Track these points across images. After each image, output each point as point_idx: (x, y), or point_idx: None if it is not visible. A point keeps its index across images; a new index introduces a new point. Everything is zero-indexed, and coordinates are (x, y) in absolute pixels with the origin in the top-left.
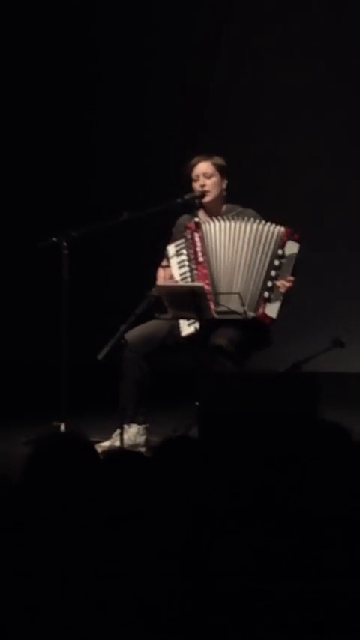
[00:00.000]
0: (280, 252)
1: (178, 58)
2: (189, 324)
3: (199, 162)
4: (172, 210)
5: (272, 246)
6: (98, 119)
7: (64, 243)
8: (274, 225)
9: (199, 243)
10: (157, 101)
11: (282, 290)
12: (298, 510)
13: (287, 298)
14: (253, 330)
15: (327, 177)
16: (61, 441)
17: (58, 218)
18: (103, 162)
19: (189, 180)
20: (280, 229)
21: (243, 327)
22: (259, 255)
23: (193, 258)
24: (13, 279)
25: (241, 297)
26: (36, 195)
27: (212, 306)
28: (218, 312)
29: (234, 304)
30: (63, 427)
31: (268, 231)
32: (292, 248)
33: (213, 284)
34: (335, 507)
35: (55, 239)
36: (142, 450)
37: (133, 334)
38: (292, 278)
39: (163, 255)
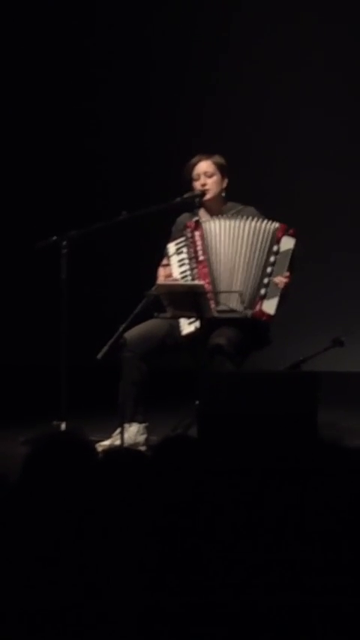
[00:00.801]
0: (275, 248)
1: (179, 57)
2: (189, 323)
3: (199, 161)
4: (171, 209)
5: (267, 243)
6: (98, 119)
7: (63, 243)
8: (268, 222)
9: (199, 242)
10: (157, 100)
11: (279, 286)
12: (297, 513)
13: (285, 294)
14: (252, 330)
15: (328, 176)
16: (60, 440)
17: (57, 218)
18: (103, 161)
19: (189, 180)
20: (274, 225)
21: (242, 327)
22: (256, 253)
23: (193, 257)
24: (12, 279)
25: (240, 296)
26: (35, 195)
27: (212, 305)
28: (218, 311)
29: (234, 303)
30: (63, 427)
31: (263, 228)
32: (287, 244)
33: (213, 283)
34: (335, 513)
35: (54, 239)
36: (143, 448)
37: (132, 334)
38: (287, 274)
39: (162, 254)
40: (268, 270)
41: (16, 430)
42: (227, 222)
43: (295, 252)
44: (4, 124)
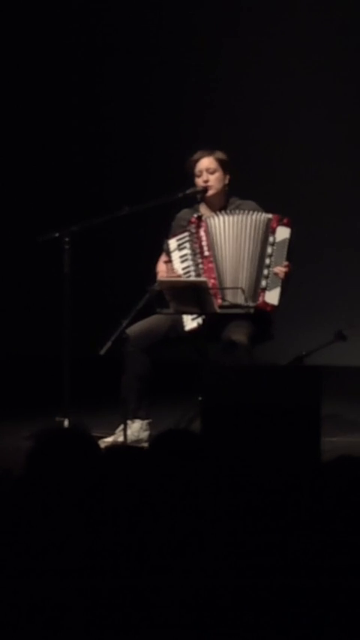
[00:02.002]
0: (270, 239)
1: (182, 52)
2: (192, 319)
3: (201, 157)
4: (173, 204)
5: (263, 235)
6: (100, 113)
7: (66, 238)
8: (262, 214)
9: (204, 238)
10: (159, 94)
11: (280, 276)
12: (298, 505)
13: (286, 284)
14: (256, 324)
15: (330, 171)
16: (63, 436)
17: (60, 212)
18: (105, 156)
19: (191, 175)
20: (267, 216)
21: (251, 321)
22: (256, 246)
23: (198, 253)
24: (14, 274)
25: (244, 292)
26: (37, 189)
27: (218, 300)
28: (221, 307)
29: (238, 298)
30: (66, 422)
31: (258, 220)
32: (283, 233)
33: (219, 278)
34: (337, 503)
35: (56, 234)
36: (146, 445)
37: (135, 329)
38: (287, 263)
39: (163, 251)
40: (267, 261)
41: (19, 424)
42: (230, 218)
43: (291, 241)
44: (5, 118)
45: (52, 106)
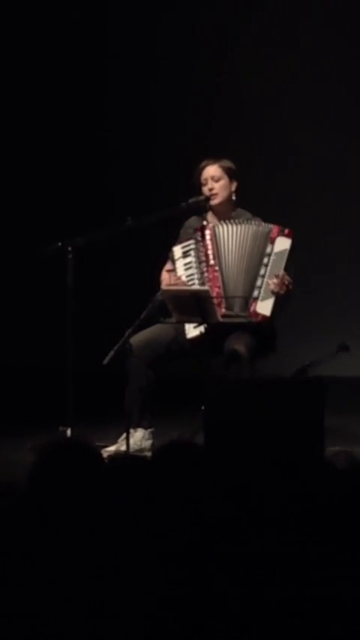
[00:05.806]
0: (268, 249)
1: (187, 61)
2: (194, 327)
3: (206, 165)
4: (177, 215)
5: (262, 245)
6: (104, 124)
7: (69, 249)
8: (265, 224)
9: (210, 246)
10: (164, 105)
11: (273, 288)
12: (300, 517)
13: (285, 295)
14: (259, 335)
15: (334, 181)
16: (66, 447)
17: (63, 224)
18: (109, 166)
19: (198, 185)
20: (269, 227)
21: (254, 332)
22: (253, 256)
23: (203, 260)
24: (18, 285)
25: (246, 302)
26: (41, 200)
27: (221, 310)
28: (223, 316)
29: (237, 308)
30: (69, 433)
31: (260, 230)
32: (282, 244)
33: (224, 287)
34: (338, 518)
35: (59, 245)
36: (148, 454)
37: (138, 339)
38: (282, 274)
39: (168, 259)
40: (262, 271)
41: (23, 436)
42: (235, 227)
43: (292, 253)
44: (9, 128)
45: (57, 116)
